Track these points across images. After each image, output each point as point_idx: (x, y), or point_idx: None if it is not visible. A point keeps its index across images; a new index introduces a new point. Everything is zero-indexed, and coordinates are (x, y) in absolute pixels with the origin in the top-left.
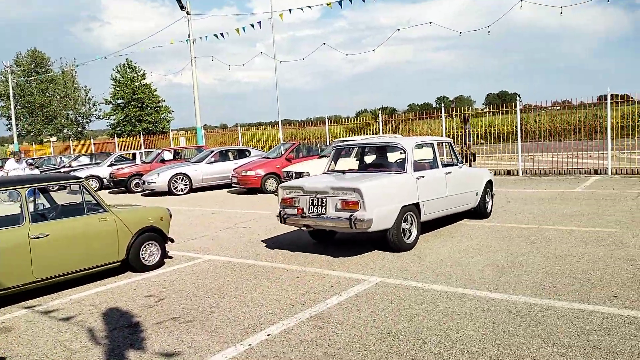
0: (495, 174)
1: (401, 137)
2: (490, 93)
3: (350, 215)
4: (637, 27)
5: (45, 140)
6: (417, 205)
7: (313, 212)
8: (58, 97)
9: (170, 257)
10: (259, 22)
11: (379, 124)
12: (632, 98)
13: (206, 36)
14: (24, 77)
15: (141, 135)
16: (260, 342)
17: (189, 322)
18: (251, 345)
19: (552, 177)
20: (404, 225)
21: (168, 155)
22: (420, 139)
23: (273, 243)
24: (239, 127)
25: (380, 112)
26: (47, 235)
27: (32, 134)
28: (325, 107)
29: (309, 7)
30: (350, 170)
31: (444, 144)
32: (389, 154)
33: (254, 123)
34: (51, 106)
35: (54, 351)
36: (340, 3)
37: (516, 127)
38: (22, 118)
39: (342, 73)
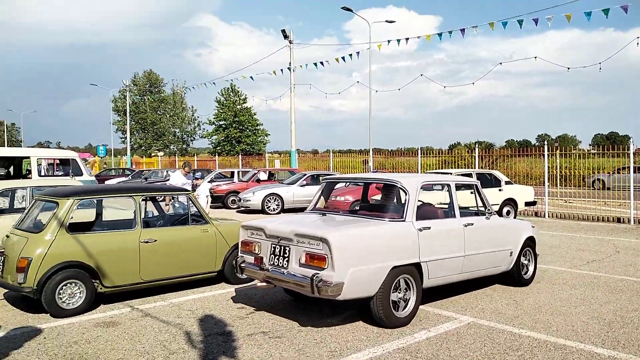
0: (602, 221)
1: (408, 174)
2: (598, 134)
3: (314, 276)
4: None
5: (153, 154)
6: (417, 265)
7: (273, 263)
8: (168, 115)
9: None
10: (357, 53)
11: (474, 158)
12: None
13: (306, 65)
14: (139, 96)
15: (239, 155)
16: None
17: (278, 338)
18: None
19: None
20: (394, 293)
21: (263, 176)
22: (431, 178)
23: None
24: (331, 153)
25: (476, 146)
26: (155, 240)
27: (142, 148)
28: (417, 138)
29: (407, 38)
30: (335, 211)
31: (470, 186)
32: (388, 196)
33: (344, 150)
34: (161, 123)
35: (155, 349)
36: (439, 35)
37: (628, 171)
38: (135, 133)
39: (438, 105)
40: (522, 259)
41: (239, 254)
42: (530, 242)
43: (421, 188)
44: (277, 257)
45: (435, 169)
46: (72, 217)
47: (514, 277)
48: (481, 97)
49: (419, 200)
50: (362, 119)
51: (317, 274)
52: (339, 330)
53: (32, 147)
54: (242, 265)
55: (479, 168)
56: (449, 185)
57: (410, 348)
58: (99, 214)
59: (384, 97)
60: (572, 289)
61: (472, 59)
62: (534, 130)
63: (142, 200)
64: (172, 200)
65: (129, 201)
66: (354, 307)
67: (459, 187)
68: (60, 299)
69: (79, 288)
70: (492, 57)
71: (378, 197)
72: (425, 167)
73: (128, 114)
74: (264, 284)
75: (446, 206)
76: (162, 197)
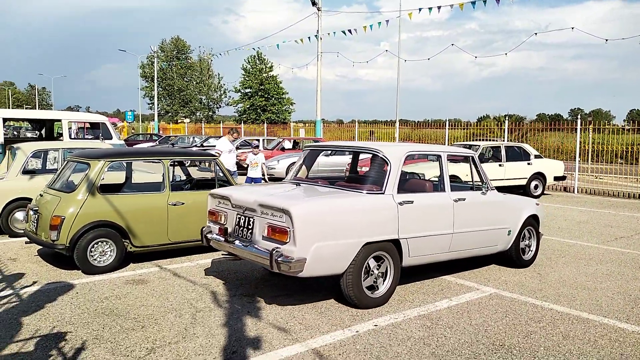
0: (633, 198)
1: (393, 143)
2: (634, 109)
3: (274, 250)
4: None
5: (180, 120)
6: (396, 242)
7: (237, 235)
8: (194, 82)
9: None
10: (387, 21)
11: (503, 131)
12: None
13: (334, 32)
14: (166, 62)
15: (265, 124)
16: (367, 331)
17: (301, 301)
18: (358, 332)
19: None
20: (368, 271)
21: (288, 145)
22: (418, 148)
23: None
24: (357, 124)
25: (506, 119)
26: (183, 203)
27: (169, 114)
28: (445, 109)
29: (439, 7)
30: (312, 181)
31: (464, 158)
32: (371, 166)
33: (370, 120)
34: (188, 90)
35: (182, 306)
36: (473, 4)
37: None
38: (162, 99)
39: (467, 76)
40: (523, 238)
41: (207, 224)
42: (533, 221)
43: (406, 158)
44: (241, 228)
45: (463, 141)
46: (103, 179)
47: (512, 257)
48: (513, 68)
49: (406, 172)
50: (389, 89)
51: (278, 248)
52: None
53: (62, 110)
54: (208, 235)
55: (508, 141)
56: (439, 156)
57: (431, 315)
58: (128, 177)
59: (413, 67)
60: (599, 265)
61: (505, 29)
62: (567, 104)
63: (171, 164)
64: (202, 165)
65: (158, 165)
66: None
67: (453, 158)
68: (92, 256)
69: (109, 247)
70: (527, 28)
71: (410, 167)
72: (452, 139)
73: (156, 80)
74: (228, 256)
75: (435, 179)
76: (191, 162)
